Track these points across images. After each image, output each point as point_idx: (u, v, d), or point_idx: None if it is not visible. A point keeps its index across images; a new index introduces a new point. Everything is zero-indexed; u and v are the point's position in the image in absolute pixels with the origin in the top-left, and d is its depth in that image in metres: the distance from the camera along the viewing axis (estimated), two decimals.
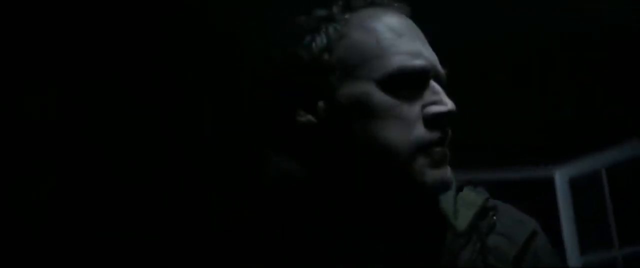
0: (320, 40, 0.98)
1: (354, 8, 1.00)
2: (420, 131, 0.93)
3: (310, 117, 0.97)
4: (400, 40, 0.96)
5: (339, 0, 1.02)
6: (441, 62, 1.01)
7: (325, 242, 0.96)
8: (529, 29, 2.32)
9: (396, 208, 0.97)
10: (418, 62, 0.94)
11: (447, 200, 1.02)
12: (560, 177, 3.48)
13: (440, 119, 0.94)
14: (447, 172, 0.95)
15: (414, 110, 0.94)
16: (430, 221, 0.99)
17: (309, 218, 0.99)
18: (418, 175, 0.93)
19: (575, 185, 3.44)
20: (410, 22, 1.00)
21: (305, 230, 0.98)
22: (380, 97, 0.94)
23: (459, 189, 1.05)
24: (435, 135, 0.94)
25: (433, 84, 0.96)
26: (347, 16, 0.99)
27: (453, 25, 2.13)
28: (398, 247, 0.96)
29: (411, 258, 0.96)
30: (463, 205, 1.02)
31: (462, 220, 1.00)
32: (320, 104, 0.97)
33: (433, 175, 0.93)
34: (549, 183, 3.46)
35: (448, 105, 0.94)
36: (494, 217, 1.01)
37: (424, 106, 0.95)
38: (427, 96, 0.95)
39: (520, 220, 1.05)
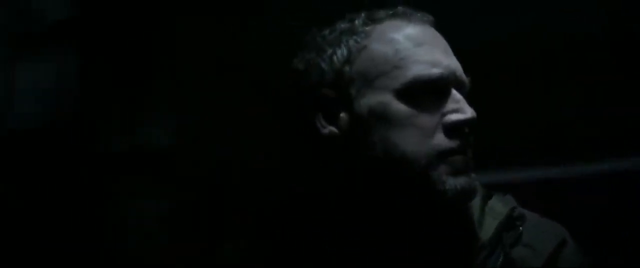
0: (341, 52, 0.99)
1: (376, 20, 1.01)
2: (439, 140, 0.93)
3: (332, 129, 0.99)
4: (418, 49, 0.96)
5: (361, 12, 1.03)
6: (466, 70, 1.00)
7: (348, 252, 0.98)
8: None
9: (419, 218, 0.97)
10: (435, 71, 0.94)
11: (473, 210, 1.01)
12: None
13: (460, 127, 0.94)
14: (469, 181, 0.94)
15: (433, 119, 0.94)
16: (454, 231, 0.98)
17: (332, 229, 1.00)
18: (438, 184, 0.92)
19: None
20: (432, 31, 1.01)
21: (329, 240, 1.00)
22: (397, 106, 0.94)
23: (488, 197, 1.04)
24: (455, 143, 0.93)
25: (454, 92, 0.95)
26: (368, 28, 0.99)
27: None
28: (420, 258, 0.96)
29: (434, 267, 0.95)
30: (490, 215, 1.01)
31: (487, 230, 0.99)
32: (343, 115, 0.98)
33: (454, 183, 0.93)
34: None
35: (468, 113, 0.94)
36: (521, 228, 0.99)
37: (443, 115, 0.94)
38: (448, 105, 0.95)
39: (547, 230, 1.02)
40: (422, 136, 0.93)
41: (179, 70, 2.47)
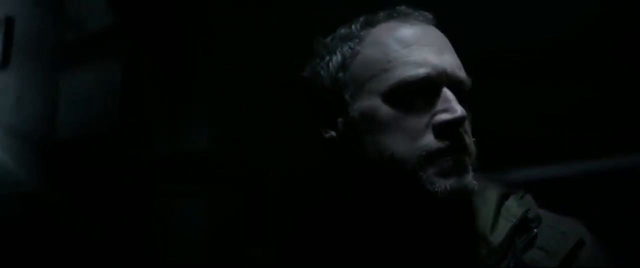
0: (336, 59, 0.98)
1: (372, 23, 0.99)
2: (427, 141, 0.91)
3: (332, 133, 0.98)
4: (406, 51, 0.94)
5: (360, 17, 1.01)
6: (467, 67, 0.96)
7: (355, 254, 0.97)
8: None
9: (419, 221, 0.94)
10: (421, 71, 0.91)
11: (487, 212, 0.97)
12: None
13: (449, 127, 0.91)
14: (460, 181, 0.90)
15: (421, 120, 0.92)
16: (460, 235, 0.94)
17: (341, 232, 1.00)
18: (427, 185, 0.89)
19: None
20: (428, 30, 0.98)
21: (337, 242, 0.99)
22: (385, 110, 0.93)
23: (505, 198, 0.99)
24: (444, 143, 0.90)
25: (445, 91, 0.92)
26: (363, 33, 0.98)
27: None
28: (425, 262, 0.94)
29: None
30: (504, 216, 0.96)
31: (499, 234, 0.94)
32: (340, 120, 0.97)
33: (443, 184, 0.89)
34: None
35: (457, 112, 0.90)
36: (535, 230, 0.94)
37: (433, 115, 0.91)
38: (438, 104, 0.92)
39: (564, 230, 0.96)
40: (410, 138, 0.91)
41: (218, 77, 2.49)
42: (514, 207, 0.97)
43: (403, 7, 1.00)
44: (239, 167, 2.44)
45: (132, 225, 2.49)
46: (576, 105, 2.29)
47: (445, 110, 0.91)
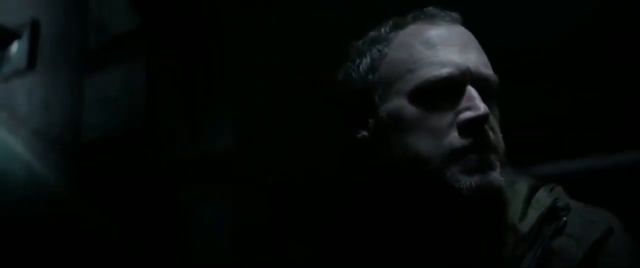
0: (366, 62, 1.01)
1: (400, 26, 1.02)
2: (452, 139, 0.93)
3: (364, 134, 1.01)
4: (431, 51, 0.96)
5: (390, 20, 1.04)
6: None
7: (382, 249, 1.01)
8: None
9: (447, 215, 0.97)
10: (444, 71, 0.94)
11: (517, 203, 0.99)
12: None
13: (472, 124, 0.92)
14: (485, 178, 0.92)
15: (446, 118, 0.94)
16: (489, 226, 0.97)
17: (371, 228, 1.03)
18: (452, 183, 0.91)
19: None
20: (454, 30, 1.00)
21: (368, 238, 1.03)
22: (410, 109, 0.95)
23: (535, 189, 1.01)
24: (468, 141, 0.92)
25: (469, 89, 0.94)
26: (391, 35, 1.01)
27: None
28: (455, 253, 0.96)
29: (469, 265, 0.95)
30: (534, 207, 0.98)
31: (527, 222, 0.96)
32: (371, 120, 1.00)
33: (468, 181, 0.91)
34: None
35: (480, 109, 0.92)
36: (564, 218, 0.95)
37: (458, 113, 0.93)
38: (462, 103, 0.94)
39: (593, 219, 0.96)
40: (435, 137, 0.93)
41: (242, 76, 2.51)
42: (544, 198, 0.99)
43: (430, 8, 1.03)
44: (263, 166, 2.44)
45: (156, 225, 2.50)
46: (576, 105, 2.32)
47: (468, 108, 0.93)
